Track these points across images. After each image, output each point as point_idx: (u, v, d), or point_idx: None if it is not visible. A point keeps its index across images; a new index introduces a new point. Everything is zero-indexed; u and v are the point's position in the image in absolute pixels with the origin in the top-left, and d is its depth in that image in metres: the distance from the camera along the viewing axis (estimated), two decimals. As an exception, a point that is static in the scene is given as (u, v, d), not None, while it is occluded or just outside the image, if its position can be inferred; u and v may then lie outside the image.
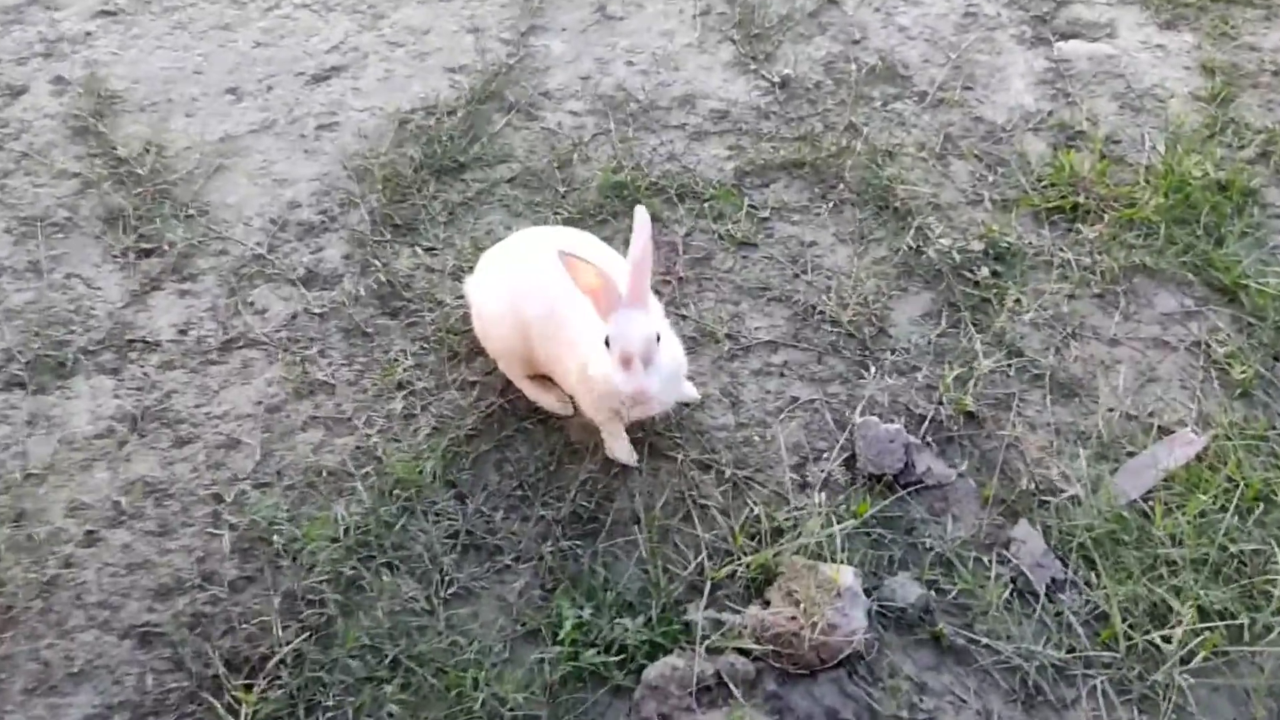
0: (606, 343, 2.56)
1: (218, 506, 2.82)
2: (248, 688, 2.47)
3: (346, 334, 3.20)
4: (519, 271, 2.87)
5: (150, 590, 2.67)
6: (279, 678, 2.50)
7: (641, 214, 2.58)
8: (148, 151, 3.70)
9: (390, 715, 2.46)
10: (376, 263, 3.36)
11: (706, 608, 2.63)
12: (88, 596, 2.64)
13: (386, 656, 2.54)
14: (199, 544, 2.76)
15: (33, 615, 2.61)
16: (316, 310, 3.25)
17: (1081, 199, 3.52)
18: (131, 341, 3.15)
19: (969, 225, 3.48)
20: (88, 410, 2.99)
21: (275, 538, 2.73)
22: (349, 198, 3.57)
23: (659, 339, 2.57)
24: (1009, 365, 3.11)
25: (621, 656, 2.54)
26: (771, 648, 2.55)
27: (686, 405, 3.01)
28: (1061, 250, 3.40)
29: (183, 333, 3.19)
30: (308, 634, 2.57)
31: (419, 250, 3.40)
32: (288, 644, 2.54)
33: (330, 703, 2.47)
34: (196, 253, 3.40)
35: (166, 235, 3.43)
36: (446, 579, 2.69)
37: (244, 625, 2.60)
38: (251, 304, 3.27)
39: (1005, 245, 3.39)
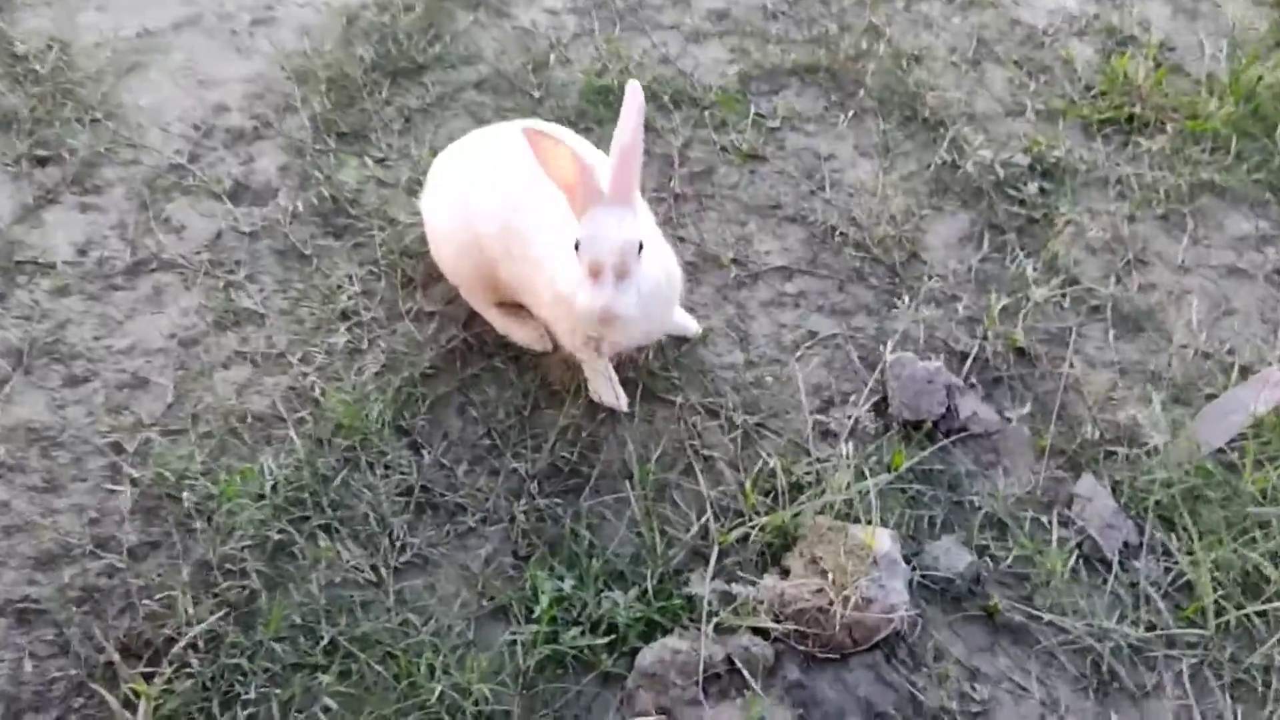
0: (577, 247, 2.09)
1: (117, 457, 2.31)
2: (148, 677, 2.00)
3: (281, 256, 2.69)
4: (475, 175, 2.37)
5: (31, 558, 2.17)
6: (188, 665, 2.03)
7: (634, 89, 2.09)
8: (50, 48, 3.14)
9: (326, 711, 1.99)
10: (318, 174, 2.84)
11: (713, 578, 2.17)
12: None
13: (322, 639, 2.07)
14: (93, 502, 2.26)
15: (-118, 588, 2.12)
16: (245, 229, 2.73)
17: (1137, 109, 3.07)
18: (20, 263, 2.62)
19: (1009, 138, 3.02)
20: (-37, 343, 2.48)
21: (186, 495, 2.24)
22: (287, 101, 3.04)
23: (641, 249, 2.08)
24: (1063, 295, 2.66)
25: (611, 638, 2.08)
26: (793, 626, 2.10)
27: (684, 341, 2.53)
28: (1118, 166, 2.95)
29: (82, 253, 2.66)
30: (225, 611, 2.09)
31: (368, 161, 2.88)
32: (199, 623, 2.06)
33: (251, 695, 2.00)
34: (102, 161, 2.86)
35: (67, 141, 2.88)
36: (397, 544, 2.21)
37: (145, 601, 2.11)
38: (166, 220, 2.74)
39: (1054, 159, 2.94)
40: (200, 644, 2.06)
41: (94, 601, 2.13)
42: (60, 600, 2.12)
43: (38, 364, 2.46)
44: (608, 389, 2.43)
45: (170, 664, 2.03)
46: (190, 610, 2.09)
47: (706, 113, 3.06)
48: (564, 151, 2.04)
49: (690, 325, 2.55)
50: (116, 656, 2.03)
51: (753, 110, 3.07)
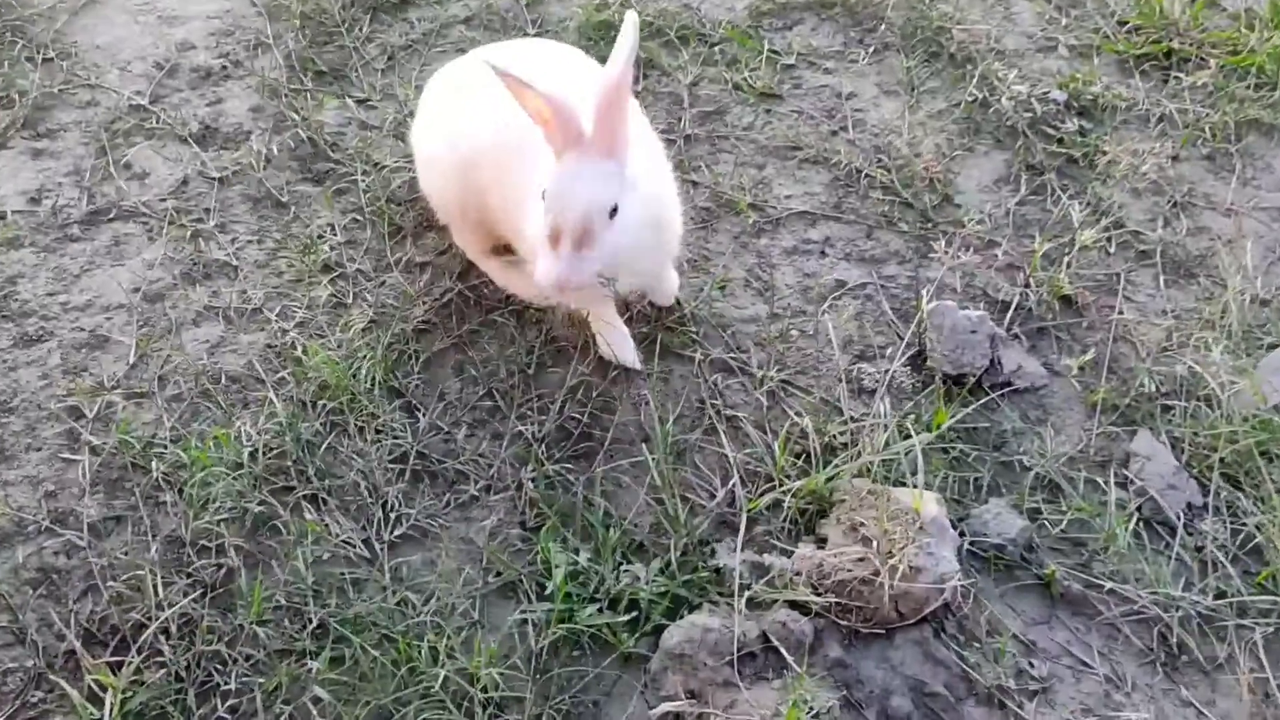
0: (544, 197, 1.86)
1: (75, 424, 2.09)
2: (115, 666, 1.78)
3: (255, 204, 2.45)
4: (464, 95, 2.14)
5: (-22, 538, 1.94)
6: (159, 652, 1.82)
7: (631, 18, 1.87)
8: (-3, -18, 2.88)
9: (316, 702, 1.77)
10: (294, 116, 2.60)
11: (743, 548, 1.97)
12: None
13: (310, 621, 1.85)
14: (49, 474, 2.04)
15: None
16: (214, 174, 2.49)
17: (1175, 44, 2.87)
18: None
19: (1042, 75, 2.82)
20: (-99, 297, 2.23)
21: (154, 464, 2.02)
22: (258, 38, 2.79)
23: (614, 212, 1.85)
24: (1108, 240, 2.47)
25: (632, 615, 1.87)
26: (834, 599, 1.90)
27: (699, 291, 2.32)
28: (1159, 103, 2.75)
29: (35, 201, 2.42)
30: (200, 593, 1.88)
31: (349, 102, 2.65)
32: (171, 607, 1.84)
33: (231, 685, 1.78)
34: (56, 103, 2.61)
35: (17, 82, 2.63)
36: (392, 516, 1.99)
37: (110, 583, 1.89)
38: (127, 166, 2.50)
39: (1091, 97, 2.74)
40: (173, 629, 1.84)
41: (52, 584, 1.90)
42: (14, 583, 1.90)
43: (-15, 322, 2.23)
44: (620, 345, 2.21)
45: (139, 652, 1.81)
46: (161, 592, 1.87)
47: (716, 49, 2.83)
48: (535, 96, 1.82)
49: (669, 292, 2.33)
50: (78, 645, 1.82)
51: (766, 46, 2.85)
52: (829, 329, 2.28)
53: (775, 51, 2.85)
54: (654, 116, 2.60)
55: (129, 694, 1.77)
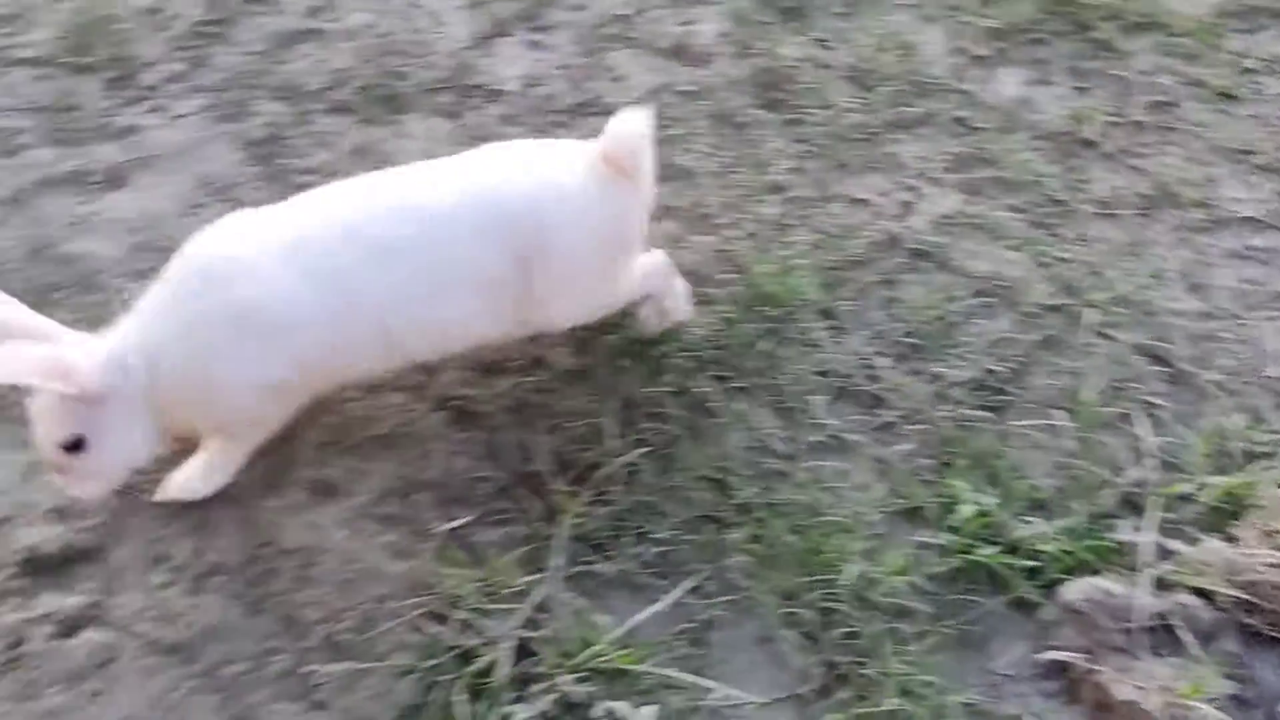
0: None
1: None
2: (572, 495, 2.05)
3: (715, 121, 2.67)
4: None
5: (471, 366, 2.27)
6: (605, 493, 2.06)
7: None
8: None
9: (732, 568, 1.99)
10: (757, 45, 2.80)
11: (1150, 529, 2.02)
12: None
13: (734, 497, 2.06)
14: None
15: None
16: (683, 88, 2.73)
17: None
18: (472, 87, 2.73)
19: None
20: (420, 150, 2.59)
21: (612, 336, 2.28)
22: (733, -30, 3.01)
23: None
24: None
25: (1032, 564, 1.97)
26: (1243, 595, 1.92)
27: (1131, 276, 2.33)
28: None
29: (530, 86, 2.74)
30: (646, 450, 2.12)
31: (809, 39, 2.82)
32: (620, 455, 2.09)
33: (663, 534, 2.01)
34: (553, 3, 2.92)
35: (510, -24, 2.98)
36: (813, 421, 2.17)
37: (572, 424, 2.16)
38: (609, 69, 2.78)
39: None
40: (619, 474, 2.10)
41: (526, 414, 2.21)
42: (495, 406, 2.22)
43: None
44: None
45: (589, 488, 2.09)
46: (613, 441, 2.14)
47: (1176, 41, 2.80)
48: None
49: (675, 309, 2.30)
50: (544, 468, 2.11)
51: (1228, 47, 2.79)
52: (1265, 337, 2.26)
53: (1237, 53, 2.78)
54: (1101, 100, 2.61)
55: (579, 519, 2.06)
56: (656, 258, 2.24)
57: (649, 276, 2.22)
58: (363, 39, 2.84)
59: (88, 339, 1.85)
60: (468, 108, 2.68)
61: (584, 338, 2.28)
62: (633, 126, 2.01)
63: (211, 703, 1.77)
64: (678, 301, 2.28)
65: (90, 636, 1.85)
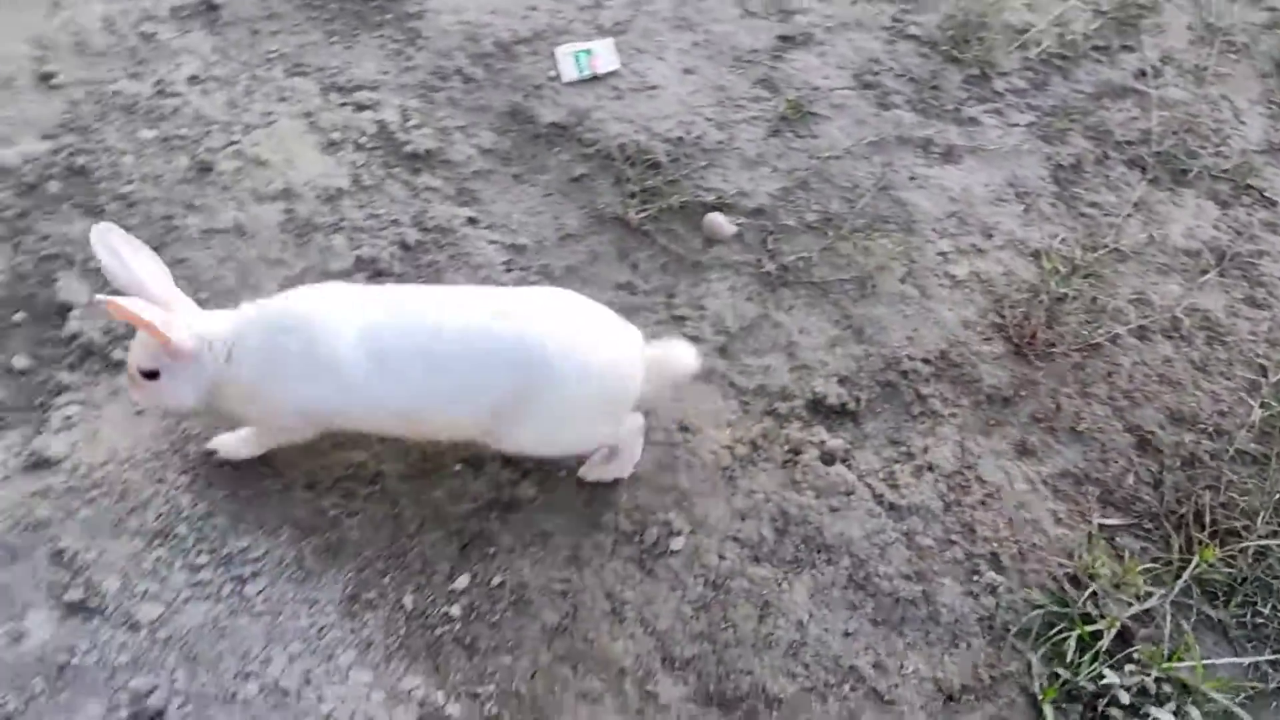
0: None
1: None
2: (1207, 547, 2.54)
3: None
4: None
5: (1168, 408, 2.82)
6: (1235, 559, 2.53)
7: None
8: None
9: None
10: None
11: None
12: (1119, 380, 2.87)
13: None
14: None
15: (1066, 367, 2.91)
16: None
17: None
18: (1249, 187, 3.17)
19: None
20: (1185, 224, 3.11)
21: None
22: None
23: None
24: None
25: None
26: None
27: None
28: None
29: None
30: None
31: None
32: (1262, 539, 2.55)
33: (1267, 610, 2.47)
34: None
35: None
36: None
37: (1231, 491, 2.63)
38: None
39: None
40: (1254, 551, 2.56)
41: (1196, 469, 2.71)
42: (1175, 454, 2.75)
43: (1232, 270, 3.04)
44: None
45: (1226, 549, 2.56)
46: (1266, 526, 2.60)
47: None
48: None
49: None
50: (1194, 515, 2.63)
51: None
52: None
53: None
54: None
55: (1208, 567, 2.52)
56: (635, 420, 2.58)
57: (622, 434, 2.57)
58: (1173, 111, 3.35)
59: (202, 314, 2.45)
60: (1239, 204, 3.13)
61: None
62: (688, 362, 2.48)
63: (902, 555, 2.58)
64: (625, 466, 2.63)
65: (840, 470, 2.74)
